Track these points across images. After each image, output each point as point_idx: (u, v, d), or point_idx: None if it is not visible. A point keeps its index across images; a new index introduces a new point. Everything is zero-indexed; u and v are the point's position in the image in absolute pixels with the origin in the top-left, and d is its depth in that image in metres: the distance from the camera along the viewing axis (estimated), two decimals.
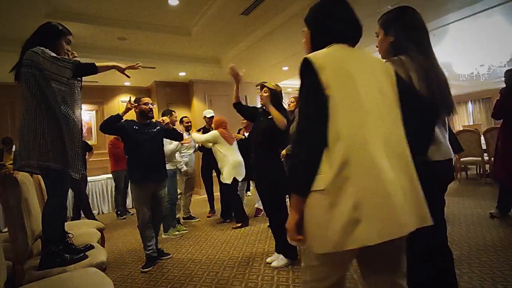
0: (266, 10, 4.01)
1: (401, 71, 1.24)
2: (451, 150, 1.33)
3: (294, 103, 3.24)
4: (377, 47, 1.46)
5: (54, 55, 1.76)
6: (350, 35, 1.06)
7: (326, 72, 0.93)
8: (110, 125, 2.68)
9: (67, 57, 1.85)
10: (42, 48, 1.75)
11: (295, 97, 3.26)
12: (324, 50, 1.01)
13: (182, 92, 7.06)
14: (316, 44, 1.07)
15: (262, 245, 3.13)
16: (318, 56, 0.96)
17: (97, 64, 1.86)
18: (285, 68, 6.61)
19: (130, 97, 2.79)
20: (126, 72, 2.05)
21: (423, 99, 1.14)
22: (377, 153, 0.88)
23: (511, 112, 3.19)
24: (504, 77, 3.33)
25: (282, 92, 2.72)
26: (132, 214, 5.18)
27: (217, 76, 6.62)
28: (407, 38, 1.29)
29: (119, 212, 5.20)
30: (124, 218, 5.10)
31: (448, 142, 1.33)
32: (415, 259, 1.32)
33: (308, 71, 0.95)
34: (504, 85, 3.35)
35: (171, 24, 4.35)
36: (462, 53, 6.25)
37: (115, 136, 5.14)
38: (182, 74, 6.39)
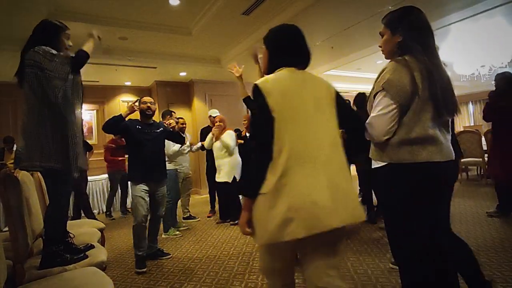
0: (267, 10, 4.02)
1: (405, 70, 1.24)
2: (453, 151, 1.33)
3: None
4: (380, 47, 1.45)
5: (54, 52, 1.77)
6: (300, 61, 1.25)
7: (273, 96, 1.11)
8: (113, 126, 2.69)
9: (62, 53, 1.85)
10: (44, 47, 1.75)
11: None
12: (273, 75, 1.20)
13: (182, 92, 7.07)
14: (271, 63, 1.27)
15: None
16: (266, 81, 1.15)
17: (84, 48, 1.91)
18: None
19: (138, 99, 2.83)
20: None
21: (355, 114, 1.35)
22: (313, 164, 1.07)
23: (501, 114, 3.21)
24: (495, 80, 3.34)
25: None
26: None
27: (218, 76, 6.63)
28: (413, 38, 1.29)
29: (108, 213, 5.23)
30: (113, 219, 5.13)
31: (449, 143, 1.32)
32: (412, 259, 1.32)
33: (257, 95, 1.13)
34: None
35: (172, 24, 4.36)
36: (463, 54, 6.25)
37: (111, 142, 5.17)
38: (182, 74, 6.39)
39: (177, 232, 3.81)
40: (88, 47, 1.95)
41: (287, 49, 1.24)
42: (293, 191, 1.04)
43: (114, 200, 5.42)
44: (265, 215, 1.07)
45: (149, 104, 2.87)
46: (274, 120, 1.09)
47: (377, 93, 1.30)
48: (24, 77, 1.74)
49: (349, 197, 1.11)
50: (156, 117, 6.33)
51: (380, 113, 1.27)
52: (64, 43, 1.91)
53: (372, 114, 1.33)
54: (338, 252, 1.15)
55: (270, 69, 1.26)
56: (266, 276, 1.32)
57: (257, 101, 1.13)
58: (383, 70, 1.30)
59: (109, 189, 5.46)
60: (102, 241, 2.63)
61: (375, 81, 1.32)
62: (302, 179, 1.05)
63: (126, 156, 4.95)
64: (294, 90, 1.15)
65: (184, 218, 4.45)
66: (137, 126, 2.80)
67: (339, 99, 1.23)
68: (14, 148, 4.83)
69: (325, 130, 1.15)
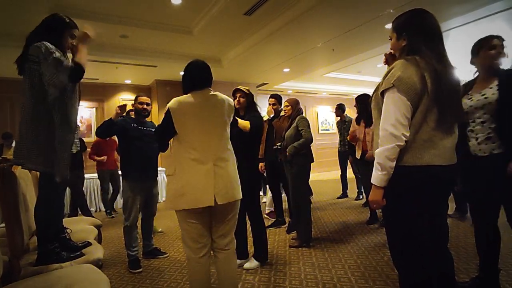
0: (269, 11, 4.02)
1: (415, 69, 1.23)
2: (455, 155, 1.32)
3: (290, 107, 3.20)
4: (391, 49, 1.46)
5: (56, 56, 1.66)
6: (204, 85, 1.80)
7: (175, 113, 1.68)
8: (106, 130, 2.71)
9: (64, 61, 1.71)
10: (47, 44, 1.65)
11: (289, 100, 3.25)
12: (183, 97, 1.73)
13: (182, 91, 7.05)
14: (185, 87, 1.81)
15: None
16: (174, 103, 1.70)
17: (78, 61, 1.74)
18: (286, 70, 6.62)
19: (125, 104, 2.78)
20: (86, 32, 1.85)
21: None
22: (199, 158, 1.66)
23: None
24: None
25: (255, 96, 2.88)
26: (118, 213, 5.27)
27: (218, 76, 6.62)
28: (419, 41, 1.28)
29: (108, 211, 5.22)
30: (113, 217, 5.11)
31: (453, 147, 1.31)
32: (411, 262, 1.31)
33: (167, 112, 1.69)
34: None
35: (173, 23, 4.36)
36: (465, 58, 6.26)
37: (93, 148, 5.07)
38: (183, 73, 6.38)
39: None
40: (81, 58, 1.76)
41: (193, 79, 1.80)
42: (186, 175, 1.64)
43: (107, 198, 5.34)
44: (170, 189, 1.70)
45: (145, 106, 2.86)
46: (174, 127, 1.68)
47: (384, 90, 1.28)
48: (25, 71, 1.67)
49: (232, 183, 1.73)
50: (155, 117, 6.30)
51: (397, 111, 1.23)
52: (68, 41, 1.81)
53: (388, 115, 1.26)
54: (233, 221, 1.80)
55: (185, 89, 1.80)
56: (185, 242, 1.73)
57: (166, 115, 1.69)
58: (392, 67, 1.28)
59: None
60: (98, 239, 2.62)
61: (384, 78, 1.30)
62: (190, 168, 1.64)
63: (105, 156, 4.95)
64: (198, 105, 1.71)
65: None
66: (133, 124, 2.79)
67: (230, 113, 1.86)
68: (13, 144, 4.81)
69: (217, 132, 1.74)
